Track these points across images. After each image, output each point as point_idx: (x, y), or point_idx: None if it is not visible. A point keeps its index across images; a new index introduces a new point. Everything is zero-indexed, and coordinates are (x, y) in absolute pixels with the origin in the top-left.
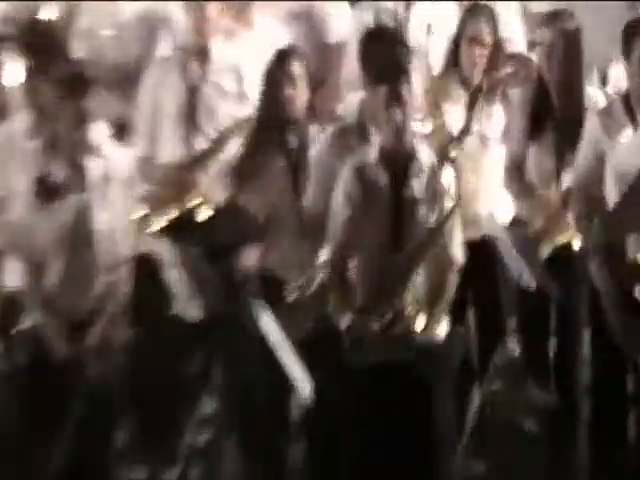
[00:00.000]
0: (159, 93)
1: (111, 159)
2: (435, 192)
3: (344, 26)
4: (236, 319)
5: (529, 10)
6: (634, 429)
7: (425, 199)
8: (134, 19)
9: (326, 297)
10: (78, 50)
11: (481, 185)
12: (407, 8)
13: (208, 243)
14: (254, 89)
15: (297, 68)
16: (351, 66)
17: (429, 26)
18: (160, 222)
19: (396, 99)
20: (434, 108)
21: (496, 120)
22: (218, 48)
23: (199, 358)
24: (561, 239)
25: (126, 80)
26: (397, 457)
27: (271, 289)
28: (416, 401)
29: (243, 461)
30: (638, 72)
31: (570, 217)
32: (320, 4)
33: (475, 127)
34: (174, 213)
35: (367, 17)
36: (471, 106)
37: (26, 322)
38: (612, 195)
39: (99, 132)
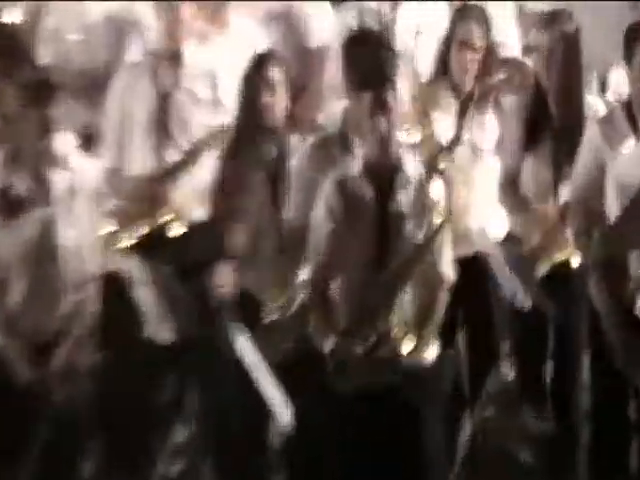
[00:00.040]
0: (128, 101)
1: (77, 171)
2: (423, 206)
3: (326, 29)
4: (211, 342)
5: (524, 11)
6: (636, 458)
7: (412, 213)
8: (102, 21)
9: (307, 318)
10: (44, 55)
11: (473, 199)
12: (393, 9)
13: (181, 261)
14: (230, 96)
15: (276, 73)
16: (333, 72)
17: (417, 28)
18: (130, 238)
19: (381, 107)
20: (422, 116)
21: (489, 130)
22: (191, 52)
23: (171, 383)
24: (559, 256)
25: (93, 87)
26: None
27: (248, 309)
28: (403, 429)
29: None
30: None
31: (568, 233)
32: (300, 4)
33: (466, 137)
34: (144, 229)
35: (350, 19)
36: (462, 114)
37: None
38: (613, 209)
39: (65, 142)
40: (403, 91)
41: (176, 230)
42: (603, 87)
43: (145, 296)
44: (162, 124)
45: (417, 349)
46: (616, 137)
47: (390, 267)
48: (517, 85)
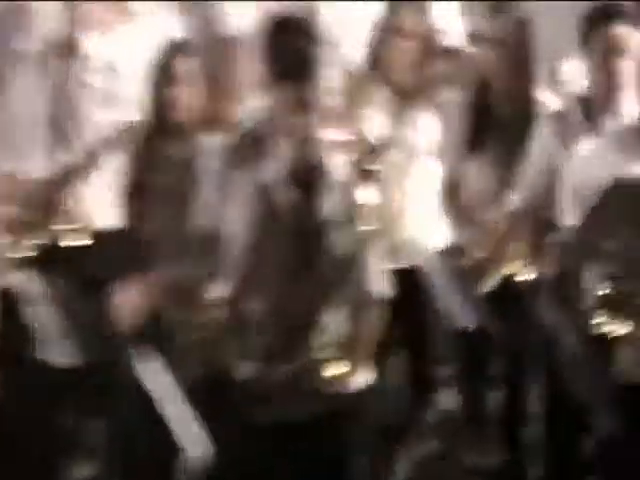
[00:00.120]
0: (18, 97)
1: None
2: (351, 213)
3: (244, 15)
4: (115, 367)
5: None
6: None
7: (339, 222)
8: None
9: (222, 340)
10: None
11: (409, 205)
12: None
13: (83, 275)
14: (134, 91)
15: (186, 65)
16: (252, 63)
17: (346, 14)
18: (23, 250)
19: (304, 102)
20: (351, 113)
21: (427, 128)
22: (90, 42)
23: (70, 411)
24: (506, 270)
25: None
26: None
27: (156, 330)
28: (329, 464)
29: None
30: (603, 66)
31: (517, 244)
32: None
33: (401, 136)
34: (40, 239)
35: (271, 4)
36: (396, 111)
37: None
38: (568, 217)
39: None
40: (330, 84)
41: (77, 240)
42: (556, 81)
43: (40, 314)
44: (56, 122)
45: (346, 374)
46: (571, 135)
47: (315, 282)
48: (460, 78)
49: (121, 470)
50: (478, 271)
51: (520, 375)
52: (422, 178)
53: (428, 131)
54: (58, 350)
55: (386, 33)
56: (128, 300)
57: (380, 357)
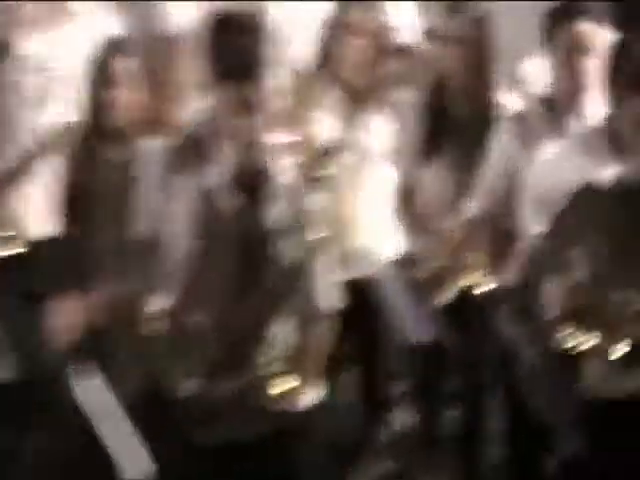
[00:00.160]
0: None
1: None
2: (299, 221)
3: (187, 12)
4: (53, 382)
5: None
6: None
7: (287, 229)
8: None
9: (164, 355)
10: None
11: (360, 213)
12: None
13: (20, 286)
14: (70, 92)
15: (125, 65)
16: (195, 63)
17: (295, 10)
18: None
19: (249, 103)
20: (299, 115)
21: (380, 131)
22: (28, 42)
23: (6, 428)
24: (464, 282)
25: None
26: None
27: (95, 345)
28: None
29: None
30: (567, 65)
31: (475, 254)
32: None
33: (353, 139)
34: None
35: (216, 2)
36: (348, 112)
37: None
38: (529, 226)
39: None
40: (277, 84)
41: (10, 250)
42: (517, 80)
43: None
44: None
45: (295, 390)
46: (533, 139)
47: (261, 293)
48: (414, 78)
49: None
50: (434, 282)
51: (479, 392)
52: (375, 183)
53: (381, 134)
54: None
55: (336, 31)
56: (65, 317)
57: (331, 372)
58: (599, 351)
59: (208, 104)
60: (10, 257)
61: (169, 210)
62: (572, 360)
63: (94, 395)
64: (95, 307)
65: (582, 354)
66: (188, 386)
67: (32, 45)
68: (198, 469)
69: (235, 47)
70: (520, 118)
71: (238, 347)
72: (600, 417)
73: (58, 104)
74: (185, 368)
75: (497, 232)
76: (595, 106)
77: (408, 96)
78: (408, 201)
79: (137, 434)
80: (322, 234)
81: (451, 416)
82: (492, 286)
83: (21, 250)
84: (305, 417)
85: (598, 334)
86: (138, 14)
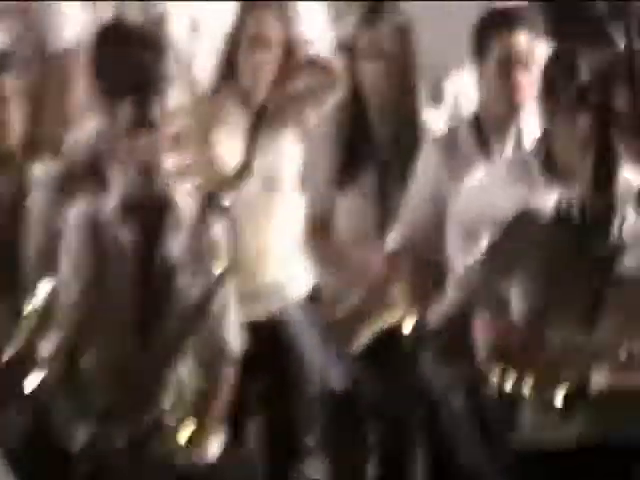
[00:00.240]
0: None
1: None
2: (200, 253)
3: (75, 26)
4: None
5: None
6: None
7: (186, 263)
8: None
9: (54, 401)
10: None
11: (268, 245)
12: None
13: None
14: None
15: (8, 84)
16: (84, 81)
17: (194, 22)
18: None
19: (142, 124)
20: (199, 136)
21: (290, 154)
22: None
23: None
24: (385, 320)
25: None
26: None
27: None
28: None
29: None
30: (497, 80)
31: (398, 289)
32: None
33: (260, 164)
34: None
35: (106, 12)
36: (254, 133)
37: None
38: (457, 256)
39: None
40: (174, 103)
41: None
42: (442, 97)
43: None
44: None
45: (197, 440)
46: (460, 163)
47: (160, 333)
48: (328, 95)
49: None
50: (351, 321)
51: (401, 442)
52: (284, 213)
53: (291, 158)
54: None
55: (243, 43)
56: None
57: (236, 420)
58: (532, 396)
59: (101, 124)
60: None
61: (59, 245)
62: (504, 406)
63: None
64: None
65: (515, 399)
66: (81, 435)
67: None
68: None
69: (126, 61)
70: (447, 140)
71: (136, 392)
72: (533, 470)
73: None
74: (77, 415)
75: (422, 264)
76: (529, 125)
77: (322, 115)
78: (322, 233)
79: None
80: (226, 269)
81: (371, 469)
82: (416, 325)
83: None
84: (209, 469)
85: (532, 377)
86: (22, 26)
